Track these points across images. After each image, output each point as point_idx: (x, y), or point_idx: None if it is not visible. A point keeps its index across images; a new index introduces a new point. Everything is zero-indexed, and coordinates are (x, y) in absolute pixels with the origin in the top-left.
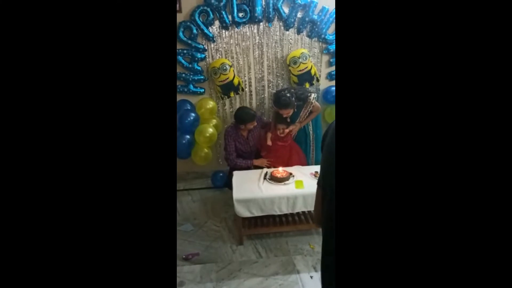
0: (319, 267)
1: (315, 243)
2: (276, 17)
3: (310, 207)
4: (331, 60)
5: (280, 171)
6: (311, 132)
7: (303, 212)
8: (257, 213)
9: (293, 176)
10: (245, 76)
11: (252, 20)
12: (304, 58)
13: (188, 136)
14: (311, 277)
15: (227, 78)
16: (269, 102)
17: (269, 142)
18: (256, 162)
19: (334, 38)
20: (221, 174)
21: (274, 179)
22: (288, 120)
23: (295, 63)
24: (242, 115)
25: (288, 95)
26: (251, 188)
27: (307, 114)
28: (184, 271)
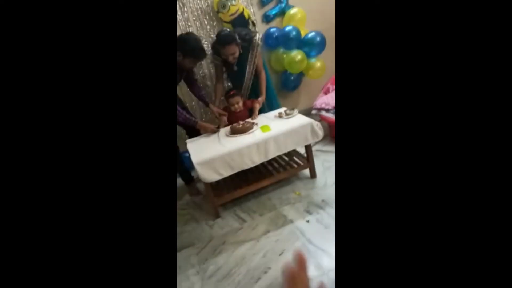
0: (312, 209)
1: (300, 189)
2: None
3: (285, 148)
4: None
5: (241, 122)
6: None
7: (276, 160)
8: (226, 172)
9: (257, 124)
10: None
11: None
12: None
13: None
14: (307, 221)
15: None
16: (207, 64)
17: (224, 121)
18: (202, 125)
19: None
20: (187, 155)
21: (236, 131)
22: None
23: (224, 7)
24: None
25: (228, 31)
26: (211, 147)
27: (254, 63)
28: None
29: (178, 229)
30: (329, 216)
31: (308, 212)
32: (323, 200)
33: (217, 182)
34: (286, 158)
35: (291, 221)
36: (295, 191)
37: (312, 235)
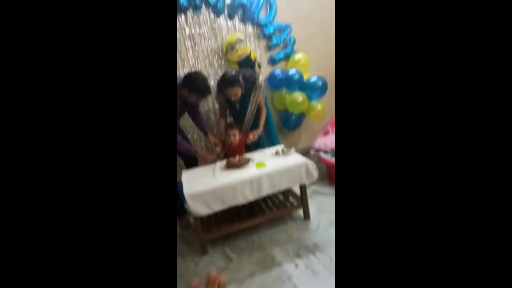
0: (302, 252)
1: (292, 230)
2: (203, 4)
3: (279, 186)
4: (269, 44)
5: (237, 157)
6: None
7: (271, 198)
8: (217, 207)
9: (252, 160)
10: (178, 72)
11: (178, 8)
12: (240, 43)
13: None
14: (296, 265)
15: None
16: (212, 99)
17: (216, 152)
18: (202, 155)
19: (268, 21)
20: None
21: (231, 165)
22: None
23: (232, 48)
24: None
25: (233, 73)
26: (204, 180)
27: (256, 103)
28: None
29: None
30: (318, 261)
31: (298, 255)
32: (314, 244)
33: (208, 216)
34: (281, 197)
35: (279, 264)
36: (287, 232)
37: (299, 281)
